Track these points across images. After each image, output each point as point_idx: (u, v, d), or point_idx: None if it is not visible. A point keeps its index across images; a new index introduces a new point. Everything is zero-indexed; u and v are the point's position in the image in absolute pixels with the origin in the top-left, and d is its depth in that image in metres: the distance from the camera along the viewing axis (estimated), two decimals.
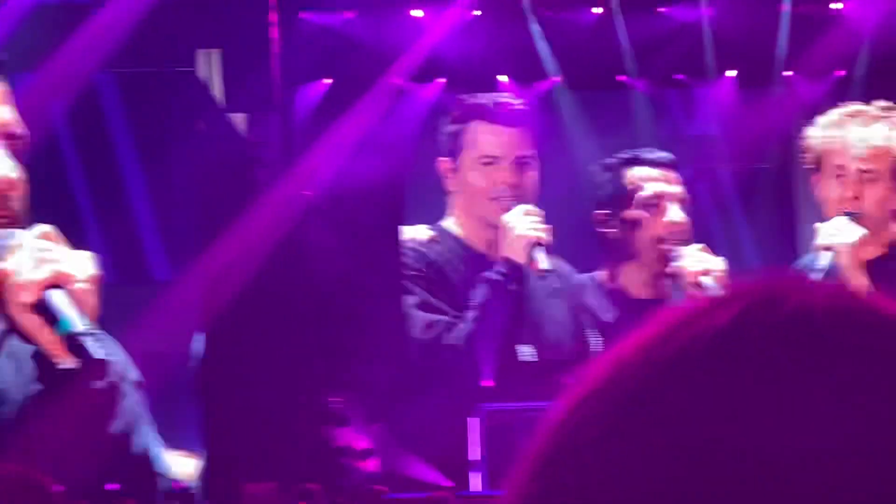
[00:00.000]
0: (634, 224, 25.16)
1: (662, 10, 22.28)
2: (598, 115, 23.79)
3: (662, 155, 24.74)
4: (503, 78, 23.09)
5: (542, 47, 22.35)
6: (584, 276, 24.76)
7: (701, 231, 22.31)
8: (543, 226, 23.32)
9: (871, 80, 21.89)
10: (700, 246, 23.20)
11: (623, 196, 26.14)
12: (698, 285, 22.82)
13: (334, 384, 19.22)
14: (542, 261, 22.40)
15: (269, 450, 16.84)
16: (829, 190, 25.00)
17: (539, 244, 20.45)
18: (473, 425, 20.96)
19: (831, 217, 23.64)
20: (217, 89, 19.50)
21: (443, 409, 20.65)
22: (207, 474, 16.78)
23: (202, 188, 17.50)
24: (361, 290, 20.21)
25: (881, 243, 24.65)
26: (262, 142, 20.24)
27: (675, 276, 23.49)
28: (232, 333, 17.85)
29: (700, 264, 23.83)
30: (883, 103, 23.40)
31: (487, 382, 20.70)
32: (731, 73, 23.05)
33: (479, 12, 22.06)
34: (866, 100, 22.54)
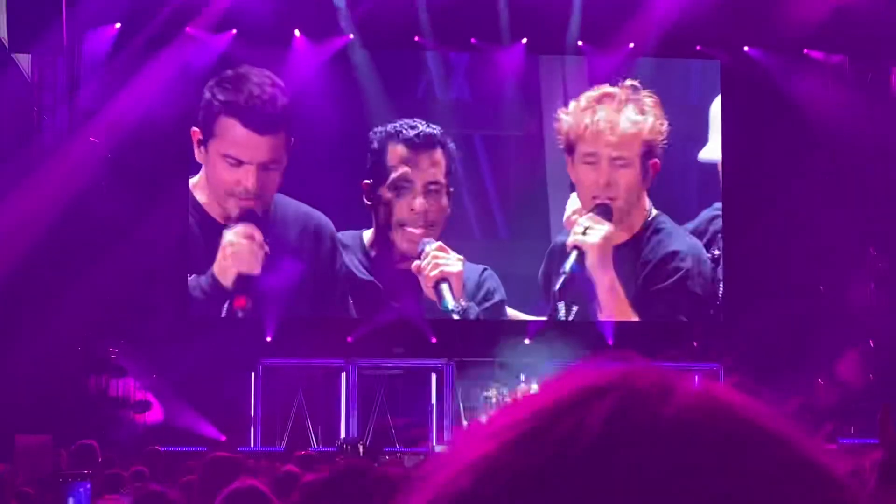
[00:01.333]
0: (386, 202, 26.10)
1: None
2: (389, 74, 23.73)
3: (425, 131, 25.47)
4: (297, 32, 22.97)
5: (339, 4, 22.24)
6: (349, 234, 25.48)
7: (457, 205, 22.22)
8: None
9: (659, 53, 22.34)
10: (438, 244, 23.99)
11: (382, 172, 27.22)
12: (437, 290, 23.33)
13: (112, 334, 18.77)
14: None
15: (42, 401, 16.43)
16: (581, 174, 26.01)
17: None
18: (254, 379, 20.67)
19: (584, 201, 24.17)
20: (2, 29, 18.96)
21: (223, 361, 20.33)
22: None
23: None
24: (145, 242, 19.84)
25: (629, 228, 25.68)
26: (49, 84, 19.68)
27: (419, 272, 23.57)
28: (11, 280, 17.35)
29: (436, 268, 24.78)
30: (630, 83, 24.24)
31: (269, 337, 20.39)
32: (523, 41, 23.27)
33: None
34: (651, 75, 22.88)
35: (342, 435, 21.35)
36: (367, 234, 21.99)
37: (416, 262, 21.45)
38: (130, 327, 20.94)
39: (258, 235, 21.73)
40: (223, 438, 19.98)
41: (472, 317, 21.89)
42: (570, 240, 21.61)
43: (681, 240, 22.51)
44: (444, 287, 21.31)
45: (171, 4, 20.90)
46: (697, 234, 22.73)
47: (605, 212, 21.82)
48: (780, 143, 22.29)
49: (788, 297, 21.61)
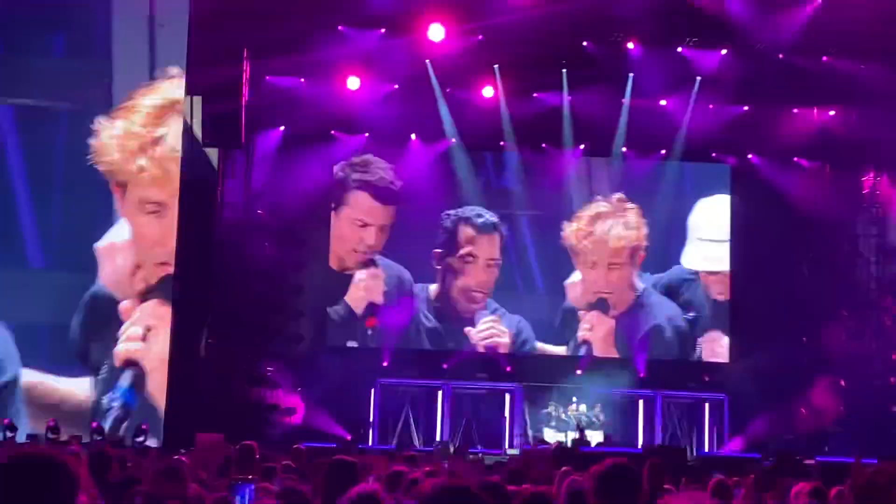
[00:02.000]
0: (454, 269, 26.40)
1: (535, 94, 22.32)
2: (482, 171, 23.71)
3: (489, 219, 25.95)
4: (413, 136, 23.10)
5: (444, 115, 22.26)
6: (419, 286, 26.19)
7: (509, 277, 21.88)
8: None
9: (683, 157, 22.07)
10: (494, 318, 24.12)
11: (452, 245, 27.86)
12: (486, 347, 23.04)
13: (268, 356, 18.84)
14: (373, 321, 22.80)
15: (216, 408, 16.51)
16: (584, 274, 26.26)
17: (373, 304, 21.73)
18: (373, 394, 20.79)
19: (586, 290, 24.23)
20: (196, 129, 19.18)
21: (350, 380, 20.46)
22: (167, 425, 16.40)
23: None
24: (291, 286, 20.07)
25: (623, 304, 26.00)
26: (230, 171, 19.81)
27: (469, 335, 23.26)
28: (198, 314, 17.32)
29: (487, 332, 25.20)
30: (617, 197, 24.01)
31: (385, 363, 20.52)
32: (581, 146, 23.15)
33: (397, 86, 21.99)
34: (679, 175, 22.17)
35: (437, 437, 21.24)
36: (433, 288, 22.37)
37: (470, 329, 21.98)
38: (282, 351, 21.04)
39: (381, 274, 22.16)
40: (349, 437, 19.93)
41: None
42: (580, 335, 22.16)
43: (661, 309, 22.54)
44: (490, 341, 21.96)
45: (321, 112, 21.09)
46: (671, 287, 22.63)
47: (603, 305, 22.12)
48: (775, 227, 22.03)
49: (779, 347, 21.24)
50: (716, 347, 22.59)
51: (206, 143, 19.98)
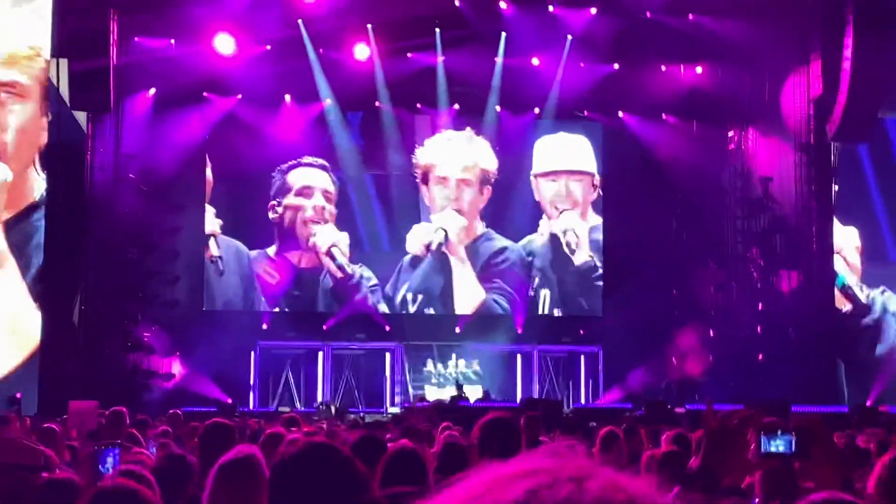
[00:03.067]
0: (293, 208, 26.32)
1: (410, 55, 22.29)
2: (352, 130, 23.57)
3: (318, 161, 26.01)
4: (287, 97, 22.80)
5: (318, 75, 22.04)
6: (258, 252, 25.85)
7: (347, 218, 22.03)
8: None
9: (556, 116, 22.28)
10: (331, 226, 24.38)
11: (285, 189, 27.90)
12: (330, 255, 24.05)
13: (146, 321, 18.53)
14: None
15: (93, 375, 16.15)
16: (434, 192, 26.55)
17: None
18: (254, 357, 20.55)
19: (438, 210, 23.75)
20: (64, 92, 18.66)
21: (230, 344, 20.20)
22: (41, 393, 16.01)
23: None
24: (166, 249, 19.77)
25: (468, 236, 26.04)
26: (99, 134, 19.38)
27: (315, 248, 23.96)
28: (67, 280, 16.92)
29: (329, 239, 25.54)
30: (469, 131, 24.18)
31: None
32: (456, 106, 23.22)
33: (269, 47, 21.65)
34: (553, 131, 22.44)
35: (319, 398, 21.20)
36: (272, 249, 22.33)
37: (312, 240, 21.87)
38: (159, 316, 20.72)
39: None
40: (229, 401, 19.75)
41: (355, 280, 22.13)
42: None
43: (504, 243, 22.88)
44: (336, 251, 21.82)
45: (192, 73, 20.67)
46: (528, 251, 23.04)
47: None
48: (645, 183, 22.39)
49: (650, 299, 21.68)
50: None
51: (73, 106, 19.44)
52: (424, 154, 22.56)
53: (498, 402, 19.79)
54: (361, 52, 21.56)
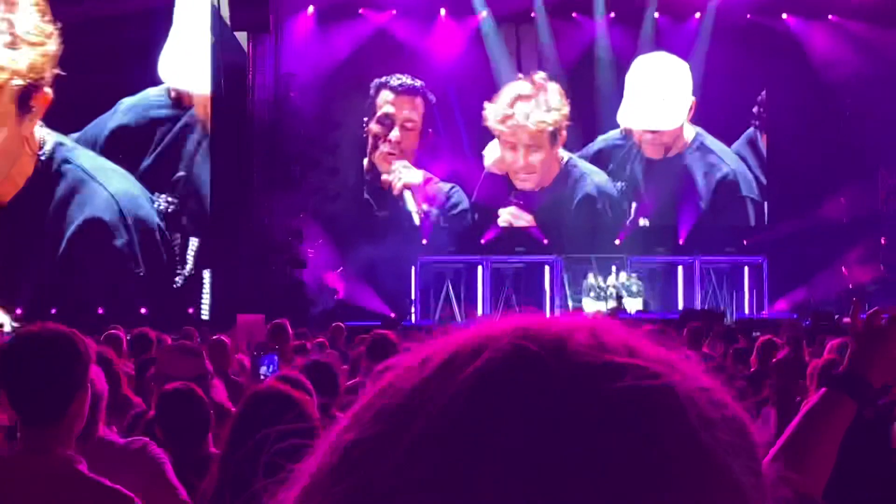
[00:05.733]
0: (374, 136, 26.25)
1: None
2: (507, 41, 23.29)
3: (405, 82, 25.80)
4: (442, 11, 22.70)
5: None
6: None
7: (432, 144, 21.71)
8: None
9: (717, 23, 21.54)
10: (404, 163, 24.18)
11: (372, 113, 27.73)
12: (401, 196, 23.54)
13: (310, 238, 18.99)
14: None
15: (258, 289, 16.67)
16: (504, 153, 26.09)
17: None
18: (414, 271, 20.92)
19: (510, 172, 23.78)
20: (224, 12, 19.04)
21: (390, 258, 20.59)
22: (213, 307, 16.61)
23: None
24: (326, 166, 20.23)
25: (547, 180, 25.79)
26: (260, 53, 19.75)
27: (388, 185, 23.69)
28: (235, 197, 17.48)
29: (401, 178, 25.25)
30: (540, 76, 23.36)
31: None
32: (612, 14, 22.70)
33: None
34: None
35: (479, 312, 21.39)
36: (365, 162, 22.39)
37: (385, 177, 21.82)
38: (322, 231, 21.14)
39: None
40: (392, 315, 20.11)
41: (433, 219, 22.03)
42: None
43: (590, 179, 22.37)
44: (407, 194, 21.74)
45: None
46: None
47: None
48: (811, 90, 21.63)
49: (816, 207, 21.08)
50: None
51: (234, 27, 19.83)
52: (491, 116, 22.11)
53: (658, 313, 19.63)
54: None
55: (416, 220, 22.00)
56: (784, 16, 22.11)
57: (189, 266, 19.40)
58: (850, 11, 21.79)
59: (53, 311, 17.35)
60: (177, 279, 19.43)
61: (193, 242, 19.60)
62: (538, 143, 22.18)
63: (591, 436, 0.58)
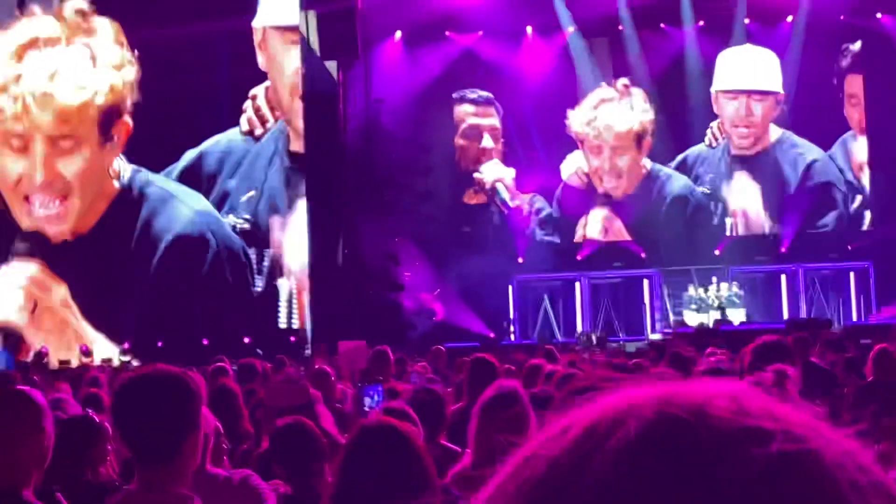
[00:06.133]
0: (461, 149, 26.05)
1: None
2: (595, 55, 23.17)
3: (482, 94, 25.78)
4: (528, 29, 22.68)
5: (559, 4, 21.81)
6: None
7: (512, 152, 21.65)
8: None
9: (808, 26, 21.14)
10: (495, 160, 24.08)
11: (451, 126, 26.78)
12: (493, 189, 23.88)
13: (405, 261, 18.96)
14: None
15: (357, 315, 16.71)
16: (590, 159, 25.91)
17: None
18: (511, 290, 20.86)
19: (593, 178, 23.55)
20: (313, 41, 19.26)
21: (486, 277, 20.51)
22: (314, 334, 16.75)
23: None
24: (418, 190, 20.26)
25: (631, 185, 26.33)
26: (350, 81, 19.93)
27: (480, 182, 23.80)
28: (330, 223, 17.59)
29: (494, 174, 25.24)
30: (622, 82, 23.26)
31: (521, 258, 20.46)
32: (701, 23, 22.44)
33: None
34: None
35: (578, 329, 21.26)
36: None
37: (478, 175, 21.87)
38: (420, 251, 21.18)
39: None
40: (492, 335, 20.07)
41: (524, 213, 22.16)
42: None
43: (675, 181, 22.22)
44: (500, 185, 21.69)
45: (434, 13, 20.93)
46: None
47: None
48: None
49: None
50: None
51: (324, 56, 20.05)
52: (575, 121, 22.02)
53: (763, 323, 19.26)
54: None
55: (511, 204, 22.11)
56: (879, 15, 21.64)
57: (283, 297, 19.48)
58: None
59: (160, 343, 17.63)
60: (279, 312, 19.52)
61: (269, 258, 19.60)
62: (624, 146, 22.06)
63: (745, 501, 0.57)
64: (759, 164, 22.15)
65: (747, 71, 22.06)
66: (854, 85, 22.01)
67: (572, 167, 22.24)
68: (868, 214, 21.96)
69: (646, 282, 21.74)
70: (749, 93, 22.10)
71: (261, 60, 19.74)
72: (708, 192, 22.26)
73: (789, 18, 21.87)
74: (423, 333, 19.73)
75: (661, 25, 22.16)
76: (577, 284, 21.81)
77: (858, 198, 22.06)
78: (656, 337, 19.72)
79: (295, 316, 19.19)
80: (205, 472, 3.30)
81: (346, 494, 2.51)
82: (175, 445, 2.48)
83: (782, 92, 21.93)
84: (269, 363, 9.37)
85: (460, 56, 22.09)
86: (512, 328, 21.69)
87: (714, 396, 0.61)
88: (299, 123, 19.56)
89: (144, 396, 2.49)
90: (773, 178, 22.07)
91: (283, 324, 19.08)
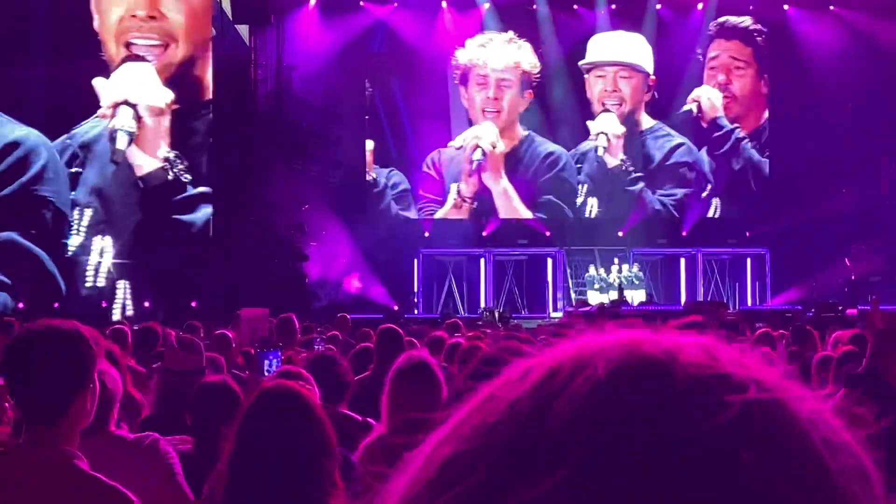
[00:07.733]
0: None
1: None
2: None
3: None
4: (444, 3, 22.50)
5: None
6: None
7: None
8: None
9: (720, 11, 21.43)
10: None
11: (362, 94, 26.01)
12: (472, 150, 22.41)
13: (310, 232, 18.70)
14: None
15: (261, 283, 16.50)
16: (472, 94, 26.21)
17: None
18: (417, 264, 20.72)
19: (475, 117, 24.20)
20: (226, 4, 18.93)
21: (393, 251, 20.34)
22: (214, 301, 16.45)
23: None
24: (328, 159, 19.93)
25: (512, 138, 25.79)
26: (261, 46, 19.63)
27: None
28: (238, 194, 17.28)
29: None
30: (510, 34, 23.37)
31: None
32: (613, 6, 22.60)
33: None
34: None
35: (482, 304, 21.38)
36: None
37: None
38: (321, 224, 21.06)
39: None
40: (396, 307, 20.07)
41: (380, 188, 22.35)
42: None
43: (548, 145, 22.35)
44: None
45: None
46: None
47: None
48: (812, 83, 21.57)
49: (818, 199, 21.01)
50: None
51: (236, 20, 19.77)
52: (464, 54, 22.09)
53: (661, 305, 19.60)
54: None
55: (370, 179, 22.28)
56: (786, 7, 22.04)
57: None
58: (851, 2, 21.73)
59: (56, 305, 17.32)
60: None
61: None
62: (509, 82, 22.10)
63: (722, 447, 0.56)
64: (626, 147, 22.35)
65: (615, 48, 22.26)
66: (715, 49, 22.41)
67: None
68: (716, 202, 22.44)
69: (549, 260, 21.93)
70: (617, 67, 22.23)
71: None
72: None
73: (700, 6, 22.16)
74: (328, 304, 19.65)
75: (575, 7, 22.29)
76: (482, 260, 21.91)
77: (709, 186, 22.46)
78: (558, 315, 19.94)
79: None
80: (112, 434, 3.25)
81: (244, 457, 2.49)
82: (63, 404, 2.42)
83: (652, 75, 22.18)
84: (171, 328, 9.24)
85: (374, 26, 21.97)
86: (417, 301, 21.72)
87: (685, 344, 0.60)
88: None
89: (34, 352, 2.43)
90: (637, 161, 22.38)
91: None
